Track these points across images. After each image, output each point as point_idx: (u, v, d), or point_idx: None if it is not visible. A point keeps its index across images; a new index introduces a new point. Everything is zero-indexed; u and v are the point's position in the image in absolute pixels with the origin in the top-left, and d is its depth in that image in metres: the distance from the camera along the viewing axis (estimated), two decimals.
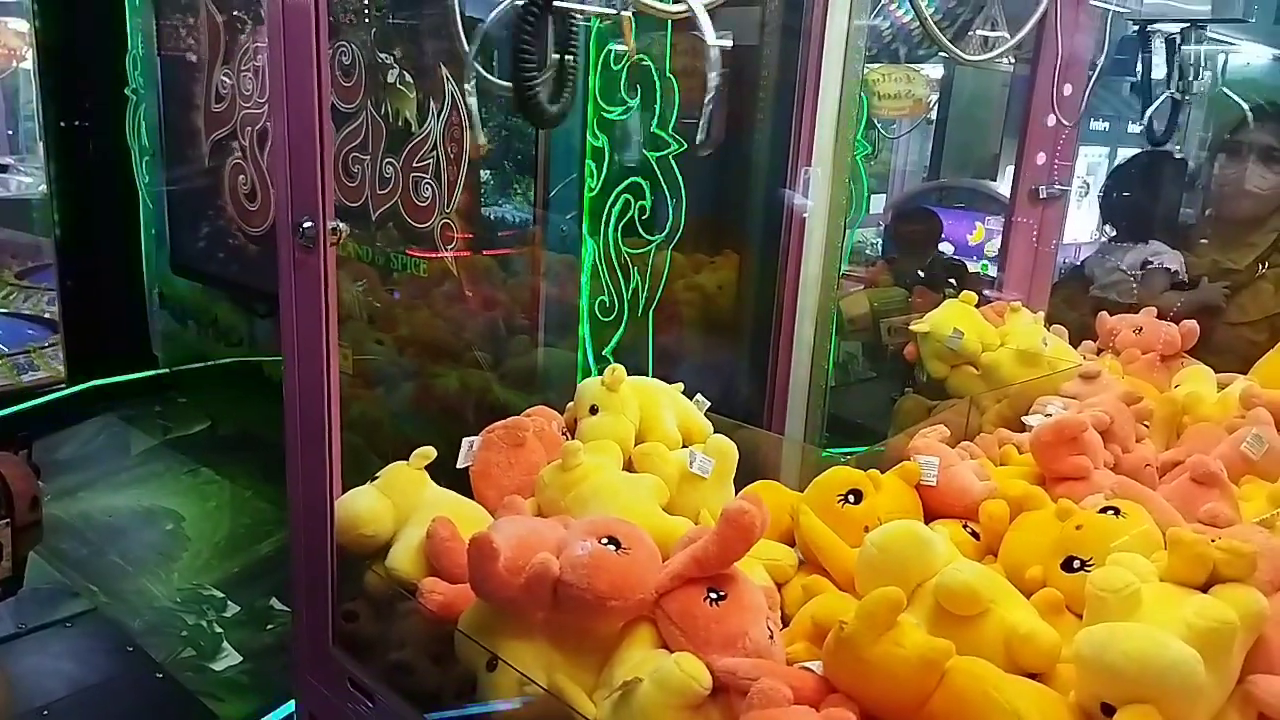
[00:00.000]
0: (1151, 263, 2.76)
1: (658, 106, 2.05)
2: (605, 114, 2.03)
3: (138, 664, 2.08)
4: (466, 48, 1.59)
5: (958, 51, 2.27)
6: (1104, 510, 1.29)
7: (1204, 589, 1.15)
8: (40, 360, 3.78)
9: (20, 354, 3.79)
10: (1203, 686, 0.96)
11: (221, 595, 2.29)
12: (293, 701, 1.62)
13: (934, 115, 3.96)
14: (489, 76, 1.85)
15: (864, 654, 1.01)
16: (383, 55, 2.27)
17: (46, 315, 4.41)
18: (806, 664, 1.11)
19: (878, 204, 3.84)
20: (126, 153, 3.36)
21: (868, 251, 3.57)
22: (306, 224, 1.29)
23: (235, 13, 2.84)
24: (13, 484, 1.84)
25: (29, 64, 5.76)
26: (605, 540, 1.19)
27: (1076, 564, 1.24)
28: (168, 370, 3.39)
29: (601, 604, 1.15)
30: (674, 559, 1.20)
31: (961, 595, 1.13)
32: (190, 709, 2.00)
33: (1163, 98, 2.68)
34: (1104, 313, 2.36)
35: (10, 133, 6.18)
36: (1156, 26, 2.61)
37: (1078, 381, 1.94)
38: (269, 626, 2.18)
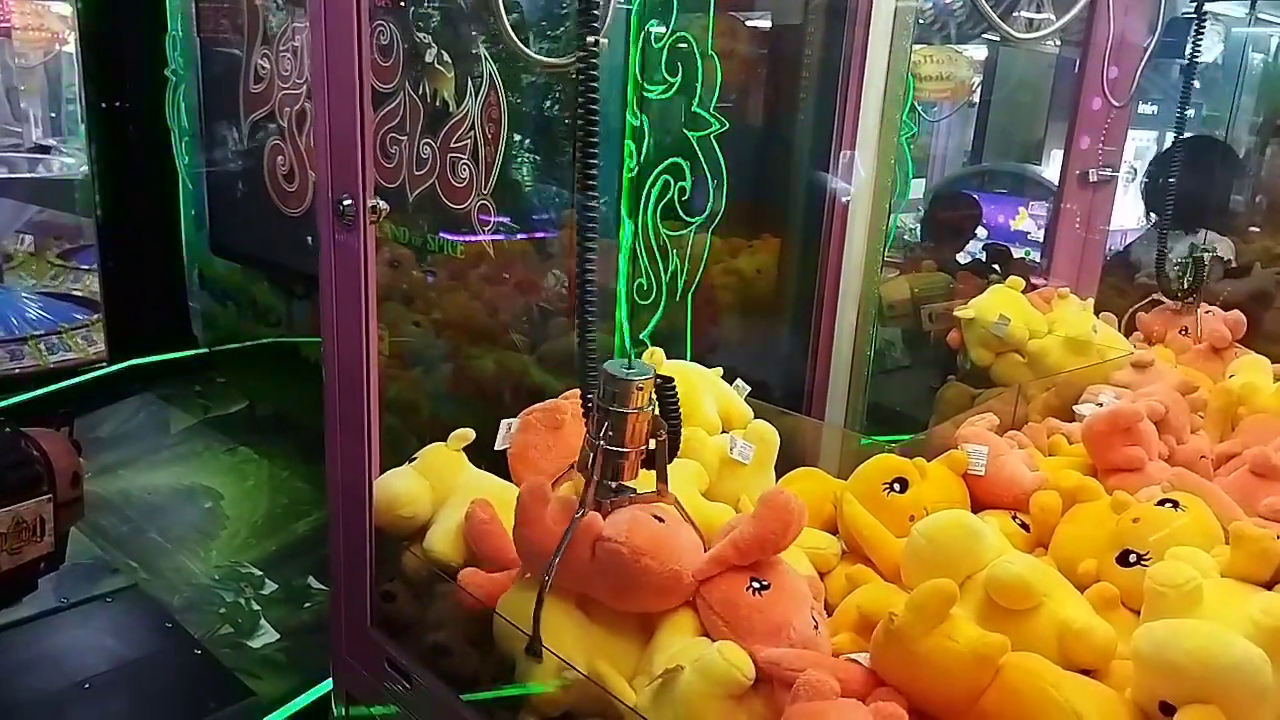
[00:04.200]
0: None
1: (698, 86, 2.01)
2: (645, 93, 2.00)
3: (177, 640, 2.10)
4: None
5: (1009, 29, 2.21)
6: (1162, 503, 1.25)
7: (1267, 585, 1.11)
8: (81, 339, 3.84)
9: (62, 332, 3.85)
10: (1268, 686, 0.92)
11: (259, 573, 2.31)
12: (330, 680, 1.63)
13: (976, 98, 3.87)
14: (527, 51, 1.84)
15: (914, 647, 0.98)
16: (421, 35, 2.25)
17: (87, 295, 4.48)
18: (853, 655, 1.08)
19: (917, 188, 3.77)
20: (166, 134, 3.39)
21: (906, 237, 3.51)
22: (346, 201, 1.28)
23: None
24: (55, 460, 1.86)
25: (71, 47, 5.85)
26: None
27: (1133, 558, 1.20)
28: (207, 350, 3.42)
29: (636, 560, 1.13)
30: (714, 547, 1.18)
31: (1014, 588, 1.10)
32: (229, 686, 2.02)
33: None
34: (1141, 314, 2.32)
35: (53, 115, 6.26)
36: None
37: (1130, 370, 1.89)
38: (306, 605, 2.20)
